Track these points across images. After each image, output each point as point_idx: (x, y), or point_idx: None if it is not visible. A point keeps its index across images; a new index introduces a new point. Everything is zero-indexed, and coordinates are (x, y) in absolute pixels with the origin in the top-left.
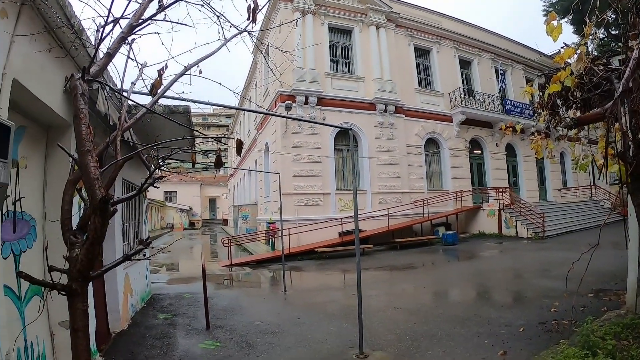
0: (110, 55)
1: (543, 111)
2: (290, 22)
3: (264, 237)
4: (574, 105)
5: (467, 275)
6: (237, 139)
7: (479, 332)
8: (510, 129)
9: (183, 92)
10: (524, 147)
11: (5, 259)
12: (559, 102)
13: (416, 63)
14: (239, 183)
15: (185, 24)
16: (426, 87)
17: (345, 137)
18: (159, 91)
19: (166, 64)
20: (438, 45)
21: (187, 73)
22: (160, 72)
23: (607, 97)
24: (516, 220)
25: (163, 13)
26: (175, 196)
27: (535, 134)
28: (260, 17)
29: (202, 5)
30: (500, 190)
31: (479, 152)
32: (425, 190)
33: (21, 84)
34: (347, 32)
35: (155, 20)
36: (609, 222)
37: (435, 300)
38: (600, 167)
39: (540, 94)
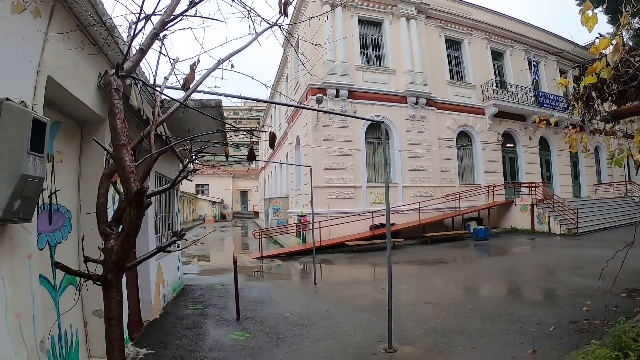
0: (143, 51)
1: (578, 104)
2: (321, 15)
3: (295, 230)
4: (610, 98)
5: (498, 271)
6: (270, 132)
7: (508, 330)
8: (544, 122)
9: (215, 87)
10: (557, 140)
11: (41, 249)
12: (594, 94)
13: (447, 55)
14: (270, 176)
15: (216, 19)
16: (458, 79)
17: (376, 130)
18: (191, 85)
19: (198, 58)
20: (469, 36)
21: (219, 67)
22: (193, 67)
23: None
24: (549, 216)
25: (194, 9)
26: (207, 189)
27: (570, 127)
28: (290, 10)
29: (233, 0)
30: (533, 184)
31: (512, 145)
32: (456, 184)
33: (55, 81)
34: (377, 24)
35: (187, 16)
36: None
37: (466, 296)
38: (637, 162)
39: (575, 86)
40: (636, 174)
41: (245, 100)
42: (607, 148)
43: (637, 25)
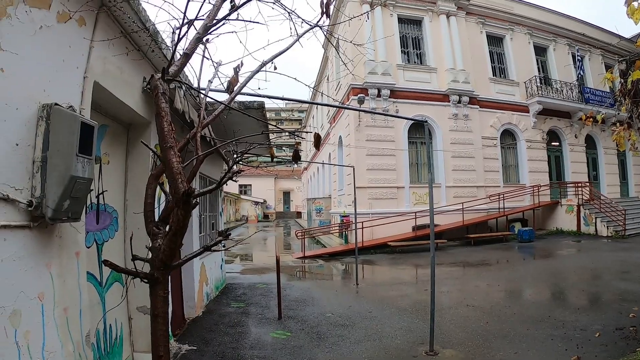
0: (187, 56)
1: (625, 99)
2: (361, 15)
3: (338, 230)
4: None
5: (543, 275)
6: (315, 133)
7: (552, 335)
8: (591, 119)
9: (258, 89)
10: (604, 138)
11: (88, 247)
12: None
13: (489, 51)
14: (313, 176)
15: (258, 22)
16: (500, 76)
17: (418, 130)
18: (235, 88)
19: (241, 61)
20: (511, 31)
21: (262, 70)
22: (236, 70)
23: None
24: (596, 217)
25: (236, 13)
26: (250, 189)
27: (617, 124)
28: (330, 11)
29: (274, 3)
30: (580, 184)
31: (557, 144)
32: (500, 184)
33: (102, 86)
34: (417, 23)
35: (229, 20)
36: None
37: (509, 300)
38: None
39: (622, 81)
40: None
41: (287, 102)
42: None
43: None
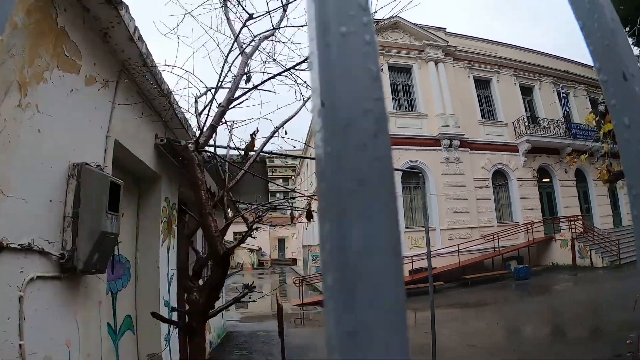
0: (214, 127)
1: (606, 139)
2: None
3: None
4: None
5: (541, 311)
6: (308, 208)
7: None
8: (575, 160)
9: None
10: (594, 171)
11: (125, 288)
12: None
13: (477, 94)
14: (308, 223)
15: (270, 90)
16: (489, 118)
17: (412, 175)
18: (252, 154)
19: (257, 128)
20: (497, 74)
21: (275, 135)
22: (253, 136)
23: None
24: (590, 250)
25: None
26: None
27: (601, 161)
28: None
29: (287, 77)
30: (572, 218)
31: (548, 180)
32: (494, 224)
33: (121, 144)
34: (407, 70)
35: (248, 89)
36: None
37: (509, 338)
38: None
39: (602, 122)
40: None
41: (280, 149)
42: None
43: None
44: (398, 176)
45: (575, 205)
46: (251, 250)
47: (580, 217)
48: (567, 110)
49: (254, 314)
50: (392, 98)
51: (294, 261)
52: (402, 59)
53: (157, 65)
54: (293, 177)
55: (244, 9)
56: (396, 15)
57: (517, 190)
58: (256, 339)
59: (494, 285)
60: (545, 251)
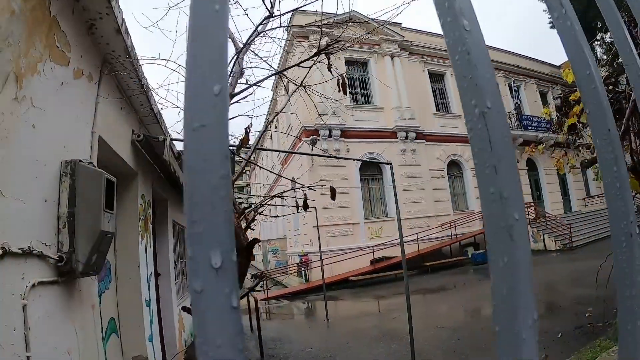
0: None
1: (562, 131)
2: (309, 59)
3: (296, 270)
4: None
5: None
6: (331, 186)
7: None
8: (534, 150)
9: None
10: (544, 160)
11: (108, 290)
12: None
13: (432, 88)
14: (266, 218)
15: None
16: (444, 111)
17: (370, 167)
18: (250, 144)
19: (251, 122)
20: (451, 68)
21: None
22: (247, 130)
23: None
24: (543, 234)
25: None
26: None
27: (555, 149)
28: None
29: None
30: (525, 205)
31: None
32: (451, 212)
33: (104, 140)
34: (364, 64)
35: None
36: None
37: (474, 318)
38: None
39: (558, 115)
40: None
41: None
42: (593, 168)
43: (609, 39)
44: (356, 168)
45: (527, 192)
46: None
47: (532, 204)
48: (519, 102)
49: None
50: (350, 92)
51: (253, 257)
52: (359, 53)
53: (140, 59)
54: (248, 172)
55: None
56: (352, 10)
57: (472, 179)
58: None
59: (454, 271)
60: None
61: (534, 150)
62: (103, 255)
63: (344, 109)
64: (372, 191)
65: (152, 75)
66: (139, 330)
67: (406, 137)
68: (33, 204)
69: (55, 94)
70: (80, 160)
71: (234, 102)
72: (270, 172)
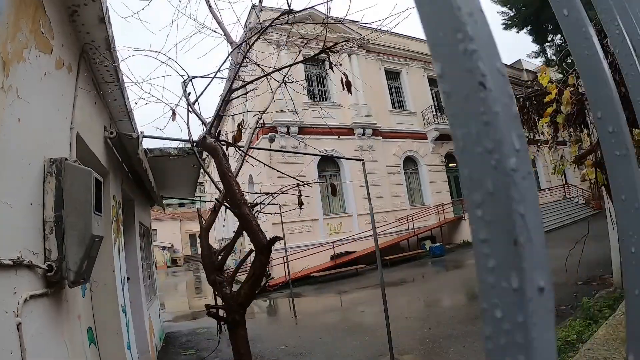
0: (220, 117)
1: (525, 129)
2: (314, 56)
3: None
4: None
5: (460, 282)
6: (331, 183)
7: None
8: None
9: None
10: None
11: (84, 297)
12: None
13: (388, 85)
14: (220, 215)
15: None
16: (399, 108)
17: (327, 163)
18: (244, 140)
19: (242, 118)
20: (407, 66)
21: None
22: (240, 127)
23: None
24: None
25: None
26: (156, 234)
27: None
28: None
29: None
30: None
31: (455, 165)
32: (407, 207)
33: (80, 136)
34: (321, 61)
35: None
36: (584, 216)
37: (440, 307)
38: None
39: (520, 115)
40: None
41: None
42: (550, 160)
43: (558, 41)
44: (314, 164)
45: (446, 190)
46: (163, 248)
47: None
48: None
49: (186, 313)
50: (307, 89)
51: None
52: (317, 51)
53: (131, 49)
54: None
55: None
56: (311, 7)
57: (427, 175)
58: (198, 337)
59: (413, 264)
60: (457, 230)
61: None
62: (93, 261)
63: (302, 105)
64: (329, 187)
65: (132, 69)
66: (117, 338)
67: (363, 134)
68: (19, 208)
69: (39, 84)
70: (66, 159)
71: (238, 96)
72: (269, 166)
